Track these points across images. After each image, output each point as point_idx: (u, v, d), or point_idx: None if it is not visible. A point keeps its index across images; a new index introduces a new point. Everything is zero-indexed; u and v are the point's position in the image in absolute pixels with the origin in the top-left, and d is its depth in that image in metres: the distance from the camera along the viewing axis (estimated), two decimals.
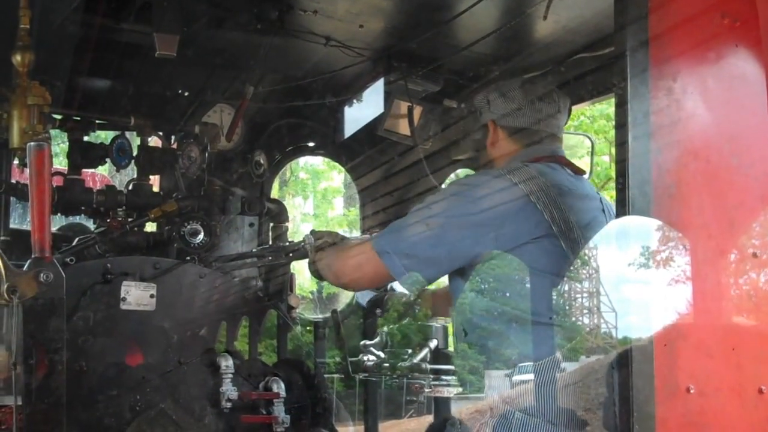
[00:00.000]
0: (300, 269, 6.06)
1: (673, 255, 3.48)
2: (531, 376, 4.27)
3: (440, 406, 5.11)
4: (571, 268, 4.32)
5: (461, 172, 6.40)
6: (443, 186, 5.87)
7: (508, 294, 4.51)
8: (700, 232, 3.46)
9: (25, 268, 3.14)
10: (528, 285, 4.32)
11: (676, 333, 3.39)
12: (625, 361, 3.28)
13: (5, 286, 3.09)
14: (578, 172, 4.57)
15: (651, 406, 3.26)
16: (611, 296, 4.10)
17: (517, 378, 4.58)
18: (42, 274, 3.11)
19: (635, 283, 3.56)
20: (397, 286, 5.71)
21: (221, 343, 4.88)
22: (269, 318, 5.48)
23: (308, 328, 6.60)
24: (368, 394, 5.74)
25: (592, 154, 6.21)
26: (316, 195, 28.01)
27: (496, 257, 4.31)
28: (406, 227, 4.44)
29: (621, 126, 3.39)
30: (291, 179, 27.55)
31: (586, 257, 4.44)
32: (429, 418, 4.87)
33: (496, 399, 4.41)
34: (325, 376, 5.79)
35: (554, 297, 4.30)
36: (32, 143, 3.17)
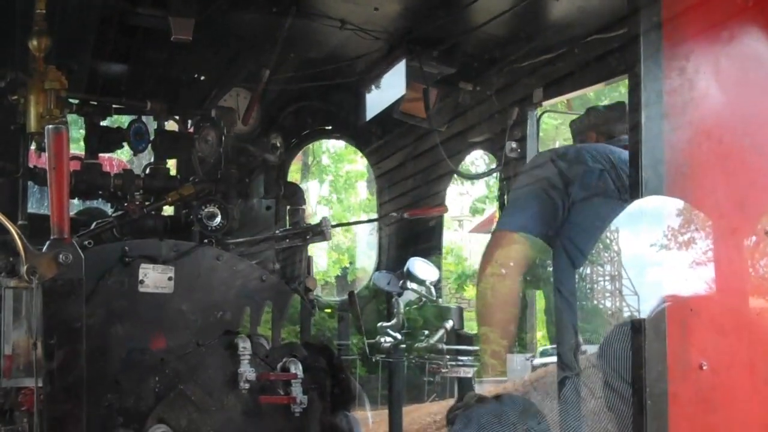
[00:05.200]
0: (314, 257, 6.06)
1: (685, 234, 3.49)
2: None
3: (464, 386, 5.14)
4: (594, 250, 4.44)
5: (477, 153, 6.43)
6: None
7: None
8: (713, 211, 3.47)
9: (44, 250, 3.18)
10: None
11: (689, 310, 3.41)
12: (638, 338, 3.30)
13: (25, 268, 3.13)
14: None
15: (664, 382, 3.28)
16: (627, 274, 4.11)
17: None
18: (61, 255, 3.15)
19: (648, 261, 3.57)
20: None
21: (245, 328, 4.88)
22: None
23: (327, 310, 6.63)
24: (392, 378, 5.76)
25: None
26: (338, 179, 27.89)
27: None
28: (518, 201, 4.83)
29: (634, 106, 3.40)
30: (314, 164, 27.48)
31: (607, 238, 4.49)
32: (452, 402, 4.90)
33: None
34: (345, 358, 5.81)
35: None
36: (50, 126, 3.19)
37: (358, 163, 26.65)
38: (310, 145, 25.46)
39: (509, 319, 4.69)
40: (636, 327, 3.35)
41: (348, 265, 24.24)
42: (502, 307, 4.64)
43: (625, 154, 4.54)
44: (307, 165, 26.47)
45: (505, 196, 6.05)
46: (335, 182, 27.97)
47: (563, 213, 4.55)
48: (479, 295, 4.80)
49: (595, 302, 4.47)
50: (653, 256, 3.53)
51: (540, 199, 4.56)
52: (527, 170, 4.97)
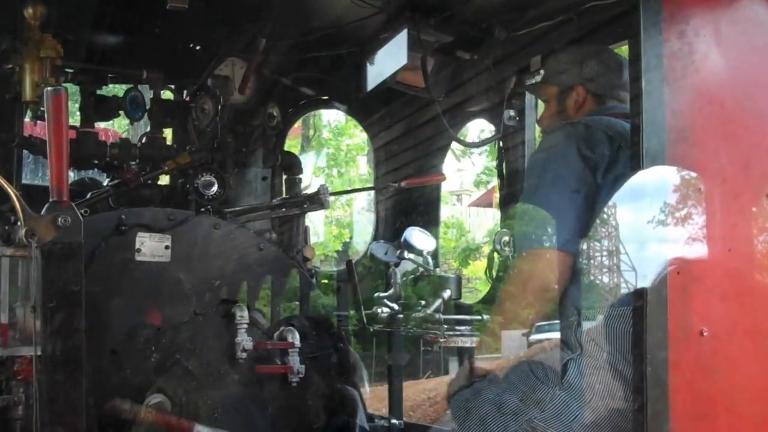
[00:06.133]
0: (315, 231, 6.05)
1: (687, 199, 3.48)
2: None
3: (464, 356, 5.13)
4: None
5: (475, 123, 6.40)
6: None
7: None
8: (715, 175, 3.46)
9: (43, 213, 3.16)
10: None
11: (690, 276, 3.40)
12: (640, 305, 3.29)
13: (24, 231, 3.11)
14: None
15: (664, 349, 3.27)
16: (625, 242, 4.10)
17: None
18: (60, 218, 3.13)
19: (650, 227, 3.56)
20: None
21: (243, 300, 4.86)
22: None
23: (324, 281, 6.60)
24: (391, 347, 5.76)
25: None
26: (339, 153, 27.92)
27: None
28: (557, 210, 4.44)
29: (635, 72, 3.39)
30: (314, 137, 27.48)
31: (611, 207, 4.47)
32: (446, 378, 4.88)
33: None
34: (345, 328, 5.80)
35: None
36: (49, 88, 3.17)
37: (358, 137, 26.69)
38: (311, 119, 25.53)
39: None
40: (637, 294, 3.34)
41: (349, 240, 24.30)
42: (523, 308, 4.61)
43: (620, 122, 4.49)
44: (307, 138, 26.49)
45: (504, 165, 6.03)
46: (336, 156, 28.00)
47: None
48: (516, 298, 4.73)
49: (595, 278, 4.43)
50: (655, 223, 3.53)
51: (580, 207, 4.33)
52: (553, 168, 4.56)
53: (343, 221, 25.78)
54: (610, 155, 4.29)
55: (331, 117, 26.94)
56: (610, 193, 4.26)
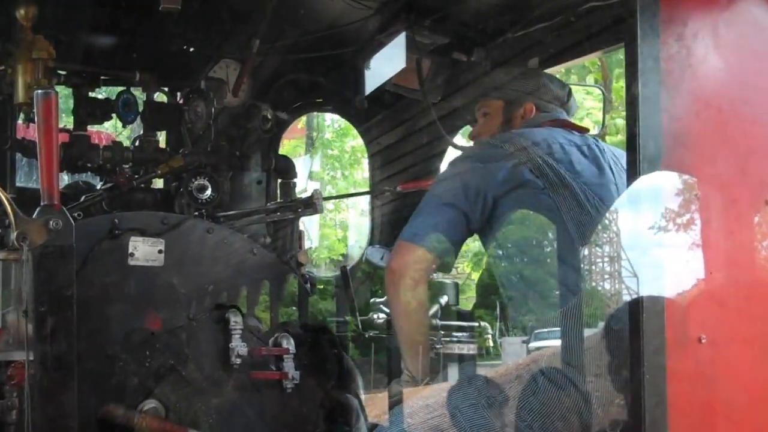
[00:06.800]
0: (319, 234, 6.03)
1: (684, 204, 3.46)
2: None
3: (464, 364, 5.11)
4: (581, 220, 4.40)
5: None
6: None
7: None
8: (712, 180, 3.44)
9: (34, 216, 3.15)
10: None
11: (688, 283, 3.38)
12: (636, 312, 3.27)
13: (15, 234, 3.10)
14: (582, 131, 4.85)
15: (662, 356, 3.25)
16: (622, 247, 4.09)
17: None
18: (51, 222, 3.12)
19: (647, 233, 3.54)
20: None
21: (241, 306, 4.84)
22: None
23: (320, 286, 6.57)
24: (390, 353, 5.73)
25: (604, 106, 6.20)
26: (343, 155, 27.81)
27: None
28: (421, 212, 4.70)
29: (631, 74, 3.36)
30: (318, 138, 27.41)
31: (594, 210, 4.46)
32: (445, 385, 4.87)
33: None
34: (341, 334, 5.78)
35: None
36: (39, 91, 3.16)
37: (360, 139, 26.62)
38: (314, 120, 25.42)
39: (414, 330, 4.74)
40: (634, 300, 3.32)
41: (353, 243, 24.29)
42: (407, 319, 4.70)
43: (543, 133, 4.67)
44: (311, 139, 26.44)
45: None
46: (340, 157, 27.92)
47: (479, 219, 4.57)
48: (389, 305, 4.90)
49: (595, 282, 4.44)
50: (653, 229, 3.50)
51: (444, 212, 4.58)
52: (438, 179, 5.05)
53: (348, 224, 25.77)
54: (520, 175, 4.47)
55: (335, 117, 27.03)
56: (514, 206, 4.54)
